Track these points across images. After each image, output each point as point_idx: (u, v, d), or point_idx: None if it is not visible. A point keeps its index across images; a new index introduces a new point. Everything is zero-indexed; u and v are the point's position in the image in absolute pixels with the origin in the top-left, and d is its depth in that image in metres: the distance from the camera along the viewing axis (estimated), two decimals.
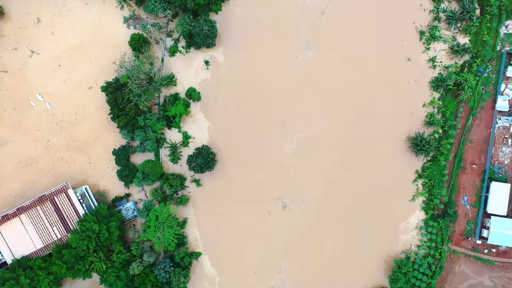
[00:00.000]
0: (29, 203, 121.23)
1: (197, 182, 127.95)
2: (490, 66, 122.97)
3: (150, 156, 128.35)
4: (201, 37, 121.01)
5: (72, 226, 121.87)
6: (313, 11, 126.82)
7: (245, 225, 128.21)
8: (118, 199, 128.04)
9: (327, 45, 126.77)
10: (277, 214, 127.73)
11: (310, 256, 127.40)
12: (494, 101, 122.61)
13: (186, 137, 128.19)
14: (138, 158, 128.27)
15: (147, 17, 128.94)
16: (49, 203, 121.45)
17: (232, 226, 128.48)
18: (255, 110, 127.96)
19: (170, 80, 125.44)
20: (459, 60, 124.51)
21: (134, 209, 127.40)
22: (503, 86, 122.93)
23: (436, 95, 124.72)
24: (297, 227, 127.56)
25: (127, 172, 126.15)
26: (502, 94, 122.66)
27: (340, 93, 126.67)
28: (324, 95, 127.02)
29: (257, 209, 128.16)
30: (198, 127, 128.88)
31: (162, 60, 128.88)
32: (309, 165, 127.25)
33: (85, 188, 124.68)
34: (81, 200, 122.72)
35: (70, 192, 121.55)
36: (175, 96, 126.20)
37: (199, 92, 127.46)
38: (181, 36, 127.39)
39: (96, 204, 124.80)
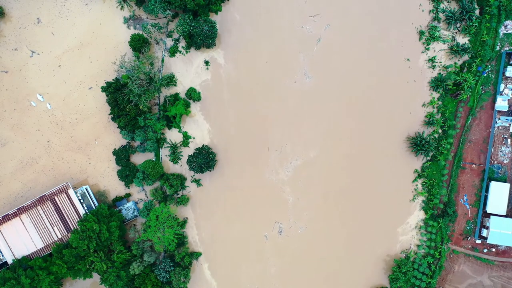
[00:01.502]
0: (29, 203, 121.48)
1: (197, 182, 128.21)
2: (489, 66, 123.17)
3: (150, 156, 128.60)
4: (201, 37, 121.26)
5: (73, 226, 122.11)
6: (312, 38, 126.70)
7: (243, 245, 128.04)
8: (119, 199, 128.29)
9: (325, 54, 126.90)
10: (274, 239, 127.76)
11: (310, 269, 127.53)
12: (494, 101, 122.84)
13: (186, 137, 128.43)
14: (138, 158, 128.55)
15: (147, 18, 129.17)
16: (50, 203, 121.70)
17: (231, 239, 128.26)
18: (254, 116, 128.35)
19: (170, 80, 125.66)
20: (459, 60, 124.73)
21: (135, 209, 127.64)
22: (502, 86, 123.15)
23: (436, 95, 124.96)
24: (295, 251, 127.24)
25: (128, 172, 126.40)
26: (501, 94, 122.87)
27: (340, 97, 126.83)
28: (323, 101, 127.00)
29: (254, 232, 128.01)
30: (198, 127, 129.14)
31: (162, 61, 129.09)
32: (306, 190, 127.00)
33: (86, 188, 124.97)
34: (82, 200, 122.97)
35: (71, 192, 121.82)
36: (175, 96, 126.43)
37: (199, 92, 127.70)
38: (181, 37, 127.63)
39: (96, 204, 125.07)
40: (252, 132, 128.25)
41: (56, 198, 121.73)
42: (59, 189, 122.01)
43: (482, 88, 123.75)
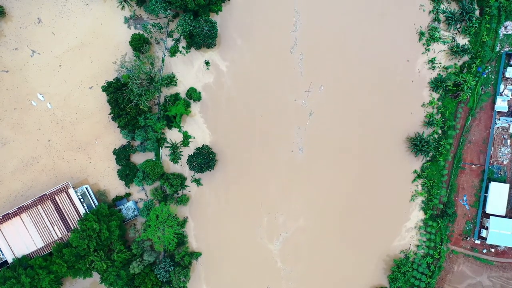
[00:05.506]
0: (30, 202, 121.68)
1: (197, 181, 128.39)
2: (489, 67, 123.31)
3: (151, 155, 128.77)
4: (202, 37, 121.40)
5: (73, 225, 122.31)
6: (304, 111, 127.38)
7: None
8: (119, 199, 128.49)
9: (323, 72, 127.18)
10: None
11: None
12: (493, 102, 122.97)
13: (187, 137, 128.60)
14: (138, 158, 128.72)
15: (148, 17, 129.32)
16: (50, 202, 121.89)
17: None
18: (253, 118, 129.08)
19: (171, 80, 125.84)
20: (459, 61, 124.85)
21: (135, 209, 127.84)
22: (502, 86, 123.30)
23: (436, 95, 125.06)
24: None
25: (128, 172, 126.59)
26: (501, 95, 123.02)
27: (340, 99, 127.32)
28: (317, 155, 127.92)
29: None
30: (199, 127, 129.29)
31: (163, 60, 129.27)
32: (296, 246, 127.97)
33: (86, 188, 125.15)
34: (82, 200, 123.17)
35: (71, 191, 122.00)
36: (176, 96, 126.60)
37: (199, 92, 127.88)
38: (182, 36, 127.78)
39: (96, 203, 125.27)
40: (249, 134, 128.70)
41: (56, 197, 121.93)
42: (60, 188, 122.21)
43: (482, 89, 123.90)
